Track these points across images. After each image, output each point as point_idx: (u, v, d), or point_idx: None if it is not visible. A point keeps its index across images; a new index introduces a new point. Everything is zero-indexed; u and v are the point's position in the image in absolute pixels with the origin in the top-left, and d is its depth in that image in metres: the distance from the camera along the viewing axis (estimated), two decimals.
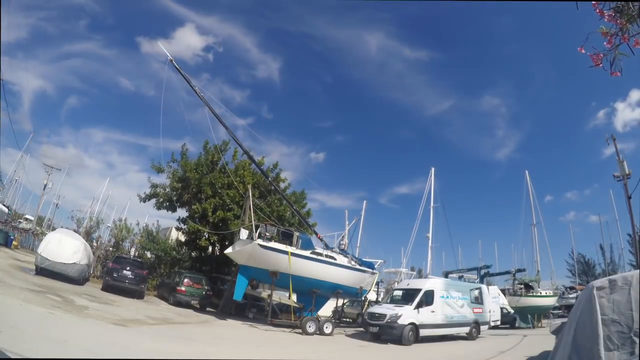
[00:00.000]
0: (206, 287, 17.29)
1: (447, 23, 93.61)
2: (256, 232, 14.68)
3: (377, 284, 22.66)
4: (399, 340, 12.79)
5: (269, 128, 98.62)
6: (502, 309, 21.34)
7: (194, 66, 78.79)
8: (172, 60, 16.24)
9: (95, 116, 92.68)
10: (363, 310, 18.03)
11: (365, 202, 42.84)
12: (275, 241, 15.12)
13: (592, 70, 3.07)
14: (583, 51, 3.07)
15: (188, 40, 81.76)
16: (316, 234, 19.53)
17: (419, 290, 14.33)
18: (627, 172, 16.74)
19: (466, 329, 15.51)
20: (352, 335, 15.19)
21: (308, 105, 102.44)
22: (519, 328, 22.99)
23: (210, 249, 21.18)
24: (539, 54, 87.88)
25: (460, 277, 23.57)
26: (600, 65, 3.05)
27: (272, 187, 19.99)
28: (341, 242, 20.79)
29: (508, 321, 22.99)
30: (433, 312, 14.07)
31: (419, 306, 13.69)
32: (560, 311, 29.00)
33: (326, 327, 14.07)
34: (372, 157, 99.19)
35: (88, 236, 23.45)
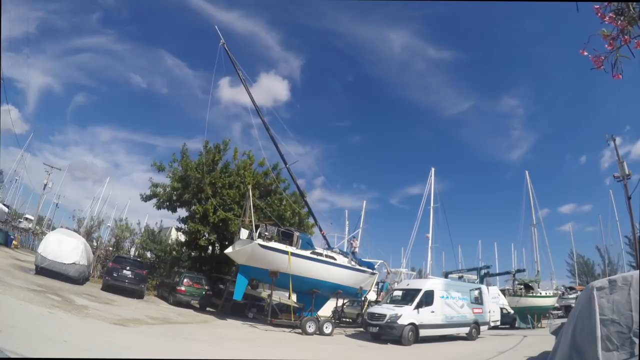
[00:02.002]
0: (206, 287, 17.29)
1: (473, 23, 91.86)
2: (256, 231, 14.69)
3: (378, 283, 22.71)
4: (398, 340, 12.80)
5: (284, 128, 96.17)
6: (502, 309, 21.36)
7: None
8: (224, 44, 16.42)
9: (103, 114, 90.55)
10: (363, 310, 18.03)
11: (365, 202, 42.91)
12: (275, 241, 15.12)
13: (607, 77, 3.06)
14: (585, 53, 3.07)
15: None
16: (320, 229, 19.67)
17: (419, 290, 14.33)
18: (627, 172, 16.74)
19: (466, 329, 15.51)
20: (352, 335, 15.19)
21: (327, 104, 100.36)
22: (518, 328, 23.00)
23: (210, 248, 21.22)
24: (558, 55, 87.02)
25: (460, 278, 23.57)
26: (602, 67, 3.05)
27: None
28: (352, 244, 20.88)
29: (508, 321, 22.99)
30: (433, 312, 14.07)
31: (418, 306, 13.69)
32: (560, 312, 29.01)
33: (326, 327, 14.07)
34: (385, 157, 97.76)
35: (88, 236, 23.43)
